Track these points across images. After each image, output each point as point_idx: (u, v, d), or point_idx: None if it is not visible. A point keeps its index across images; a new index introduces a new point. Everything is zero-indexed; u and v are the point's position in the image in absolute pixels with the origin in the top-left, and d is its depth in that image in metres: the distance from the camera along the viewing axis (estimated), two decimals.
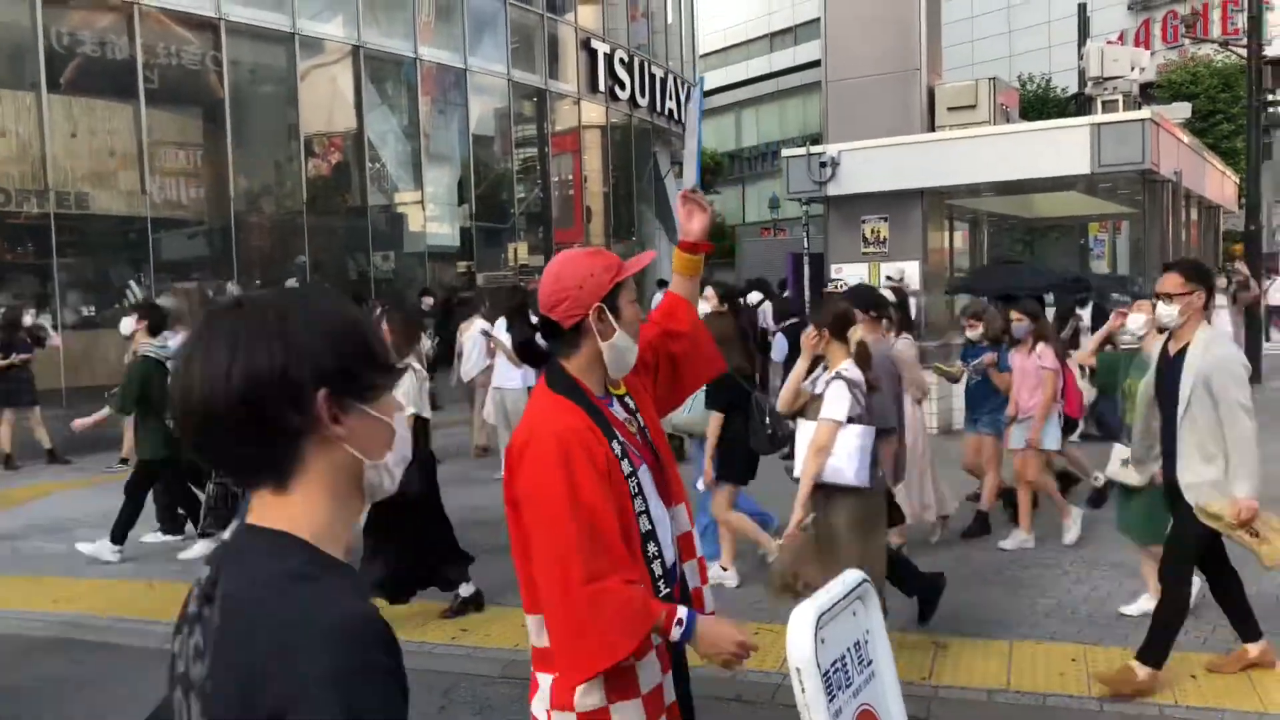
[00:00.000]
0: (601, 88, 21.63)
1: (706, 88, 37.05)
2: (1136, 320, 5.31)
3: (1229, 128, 25.35)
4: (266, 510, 1.17)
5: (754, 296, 14.18)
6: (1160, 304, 4.28)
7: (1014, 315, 6.80)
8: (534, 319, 2.40)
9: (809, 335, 4.47)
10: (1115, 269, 16.16)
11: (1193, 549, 4.35)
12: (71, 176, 13.16)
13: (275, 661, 1.04)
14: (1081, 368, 7.54)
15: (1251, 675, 4.46)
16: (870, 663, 3.03)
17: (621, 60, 22.25)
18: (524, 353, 2.40)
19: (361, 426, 1.19)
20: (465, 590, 5.64)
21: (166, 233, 14.32)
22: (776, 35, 44.69)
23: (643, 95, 23.21)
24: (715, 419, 5.96)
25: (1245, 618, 4.54)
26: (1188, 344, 4.23)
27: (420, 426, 5.32)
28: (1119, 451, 5.47)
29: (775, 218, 32.15)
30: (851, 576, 2.99)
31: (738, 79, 44.87)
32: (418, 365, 5.53)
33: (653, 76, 23.84)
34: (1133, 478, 4.86)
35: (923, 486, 6.56)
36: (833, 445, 4.30)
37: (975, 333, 7.26)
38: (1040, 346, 6.62)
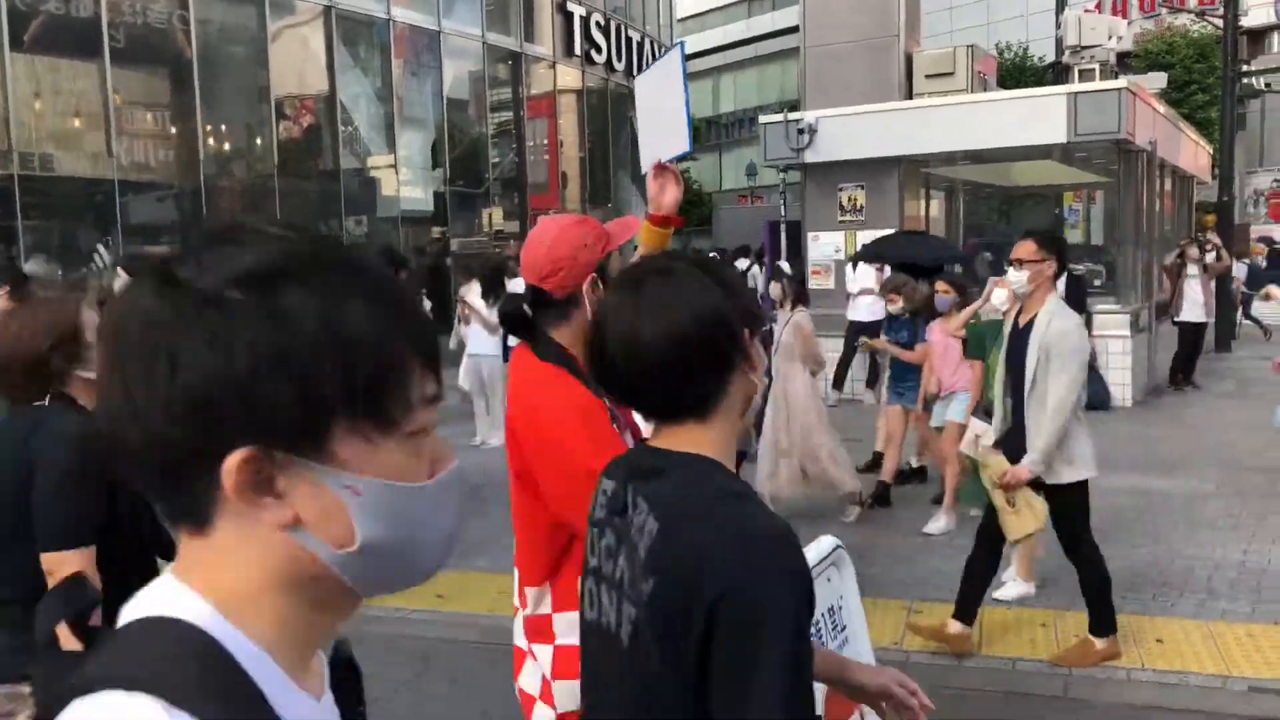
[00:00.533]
0: (578, 51, 21.40)
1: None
2: (999, 295, 5.23)
3: (1204, 98, 25.45)
4: (676, 436, 1.42)
5: (741, 263, 14.15)
6: (1011, 270, 4.30)
7: (940, 287, 6.62)
8: (518, 288, 2.32)
9: None
10: (1089, 239, 16.23)
11: (1080, 517, 4.33)
12: (35, 137, 12.88)
13: (721, 559, 1.26)
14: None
15: (1215, 639, 4.52)
16: (844, 628, 3.04)
17: (598, 23, 22.00)
18: (510, 322, 2.30)
19: (757, 357, 1.44)
20: None
21: (135, 196, 14.07)
22: (754, 0, 44.37)
23: (619, 59, 22.98)
24: None
25: (972, 601, 4.47)
26: (1036, 315, 4.23)
27: None
28: (975, 426, 5.57)
29: (752, 185, 32.09)
30: (825, 542, 3.00)
31: (715, 44, 44.56)
32: None
33: (629, 40, 23.60)
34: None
35: (820, 460, 6.40)
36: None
37: (896, 307, 7.06)
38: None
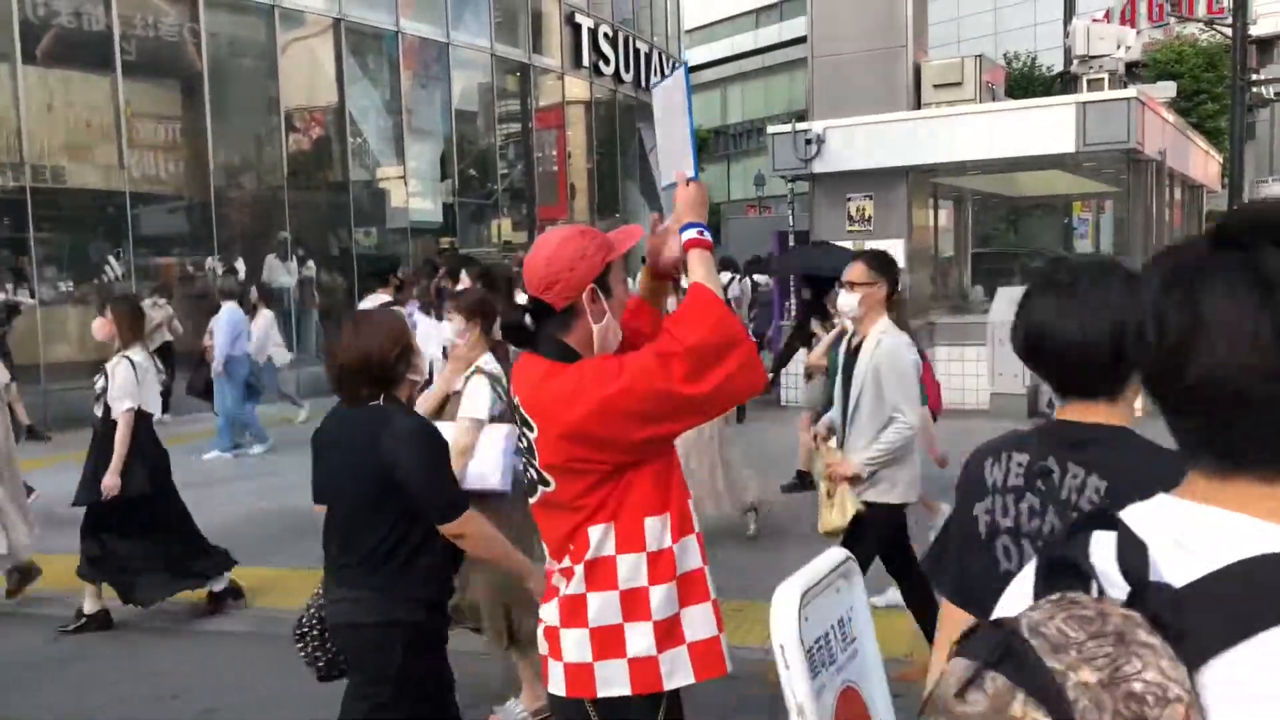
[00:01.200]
0: (586, 63, 21.48)
1: (692, 64, 36.87)
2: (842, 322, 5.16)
3: (1213, 107, 25.38)
4: (1090, 412, 1.73)
5: (723, 276, 14.09)
6: (843, 292, 4.22)
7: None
8: (521, 300, 2.35)
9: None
10: (1099, 248, 16.20)
11: (872, 542, 4.20)
12: (48, 149, 12.97)
13: None
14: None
15: None
16: (854, 640, 3.02)
17: (606, 35, 22.09)
18: (513, 334, 2.33)
19: None
20: (217, 585, 5.48)
21: (145, 207, 14.15)
22: (762, 11, 44.46)
23: (627, 71, 23.06)
24: None
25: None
26: (866, 338, 4.19)
27: (142, 421, 5.15)
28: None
29: (760, 195, 32.10)
30: (836, 553, 2.99)
31: (723, 55, 44.66)
32: (139, 357, 5.20)
33: (637, 51, 23.68)
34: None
35: (712, 476, 6.27)
36: (474, 447, 3.88)
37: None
38: None
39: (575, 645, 2.23)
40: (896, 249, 11.82)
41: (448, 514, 2.82)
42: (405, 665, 2.81)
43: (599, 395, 2.10)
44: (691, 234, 2.35)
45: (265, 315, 10.72)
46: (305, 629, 3.04)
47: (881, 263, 4.26)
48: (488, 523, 2.90)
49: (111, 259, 13.57)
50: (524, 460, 2.37)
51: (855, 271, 4.19)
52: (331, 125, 16.48)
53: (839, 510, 4.15)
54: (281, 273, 14.80)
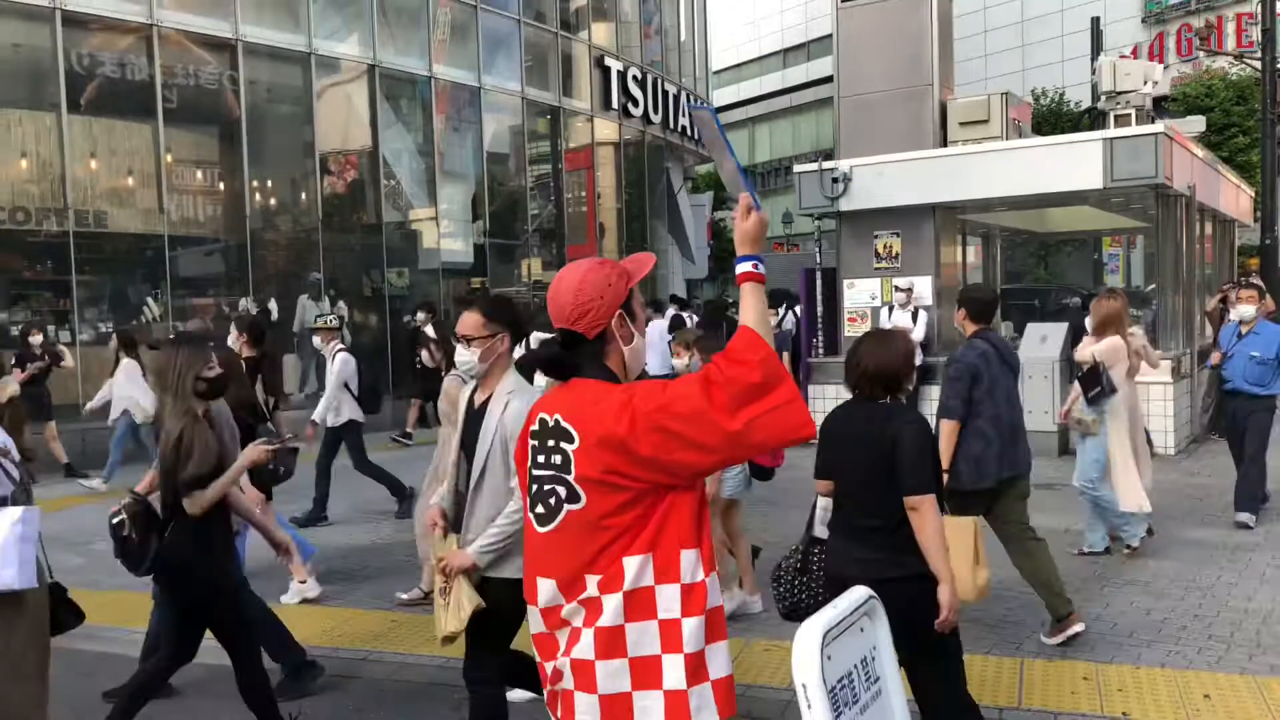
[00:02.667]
0: (615, 105, 21.75)
1: (719, 104, 37.17)
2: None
3: (1244, 141, 25.27)
4: None
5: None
6: (460, 348, 3.70)
7: (673, 347, 5.88)
8: (537, 336, 2.48)
9: None
10: (1129, 283, 16.10)
11: (512, 625, 3.63)
12: (91, 195, 13.33)
13: None
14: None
15: (1264, 693, 4.44)
16: (877, 679, 3.03)
17: (635, 77, 22.38)
18: (552, 367, 2.41)
19: None
20: None
21: (184, 250, 14.46)
22: (790, 51, 44.86)
23: (656, 112, 23.32)
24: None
25: None
26: (492, 395, 3.66)
27: None
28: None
29: (788, 233, 32.21)
30: (858, 593, 3.01)
31: (751, 95, 45.05)
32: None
33: (665, 93, 23.96)
34: None
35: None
36: None
37: (681, 361, 6.23)
38: None
39: (611, 676, 2.23)
40: (925, 286, 11.87)
41: (915, 488, 3.44)
42: (928, 610, 3.40)
43: (644, 409, 2.18)
44: (746, 267, 2.37)
45: (125, 366, 10.16)
46: (783, 573, 3.83)
47: (498, 310, 3.73)
48: (935, 509, 3.47)
49: (150, 300, 13.86)
50: (541, 485, 2.36)
51: (469, 324, 3.66)
52: (365, 168, 16.79)
53: (454, 611, 3.54)
54: (314, 313, 15.03)
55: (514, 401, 3.56)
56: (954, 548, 4.55)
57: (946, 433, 5.10)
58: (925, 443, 3.53)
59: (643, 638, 2.23)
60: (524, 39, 19.29)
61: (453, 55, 17.88)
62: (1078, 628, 5.08)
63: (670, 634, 2.23)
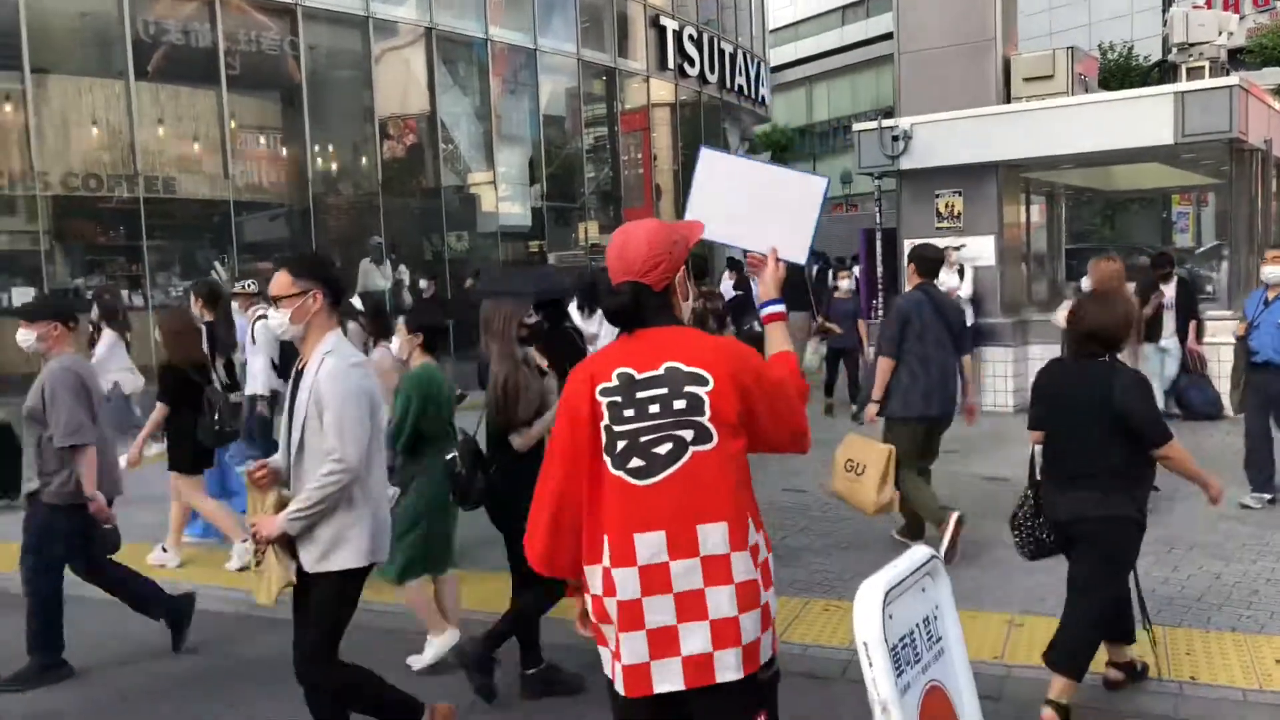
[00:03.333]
0: (670, 65, 21.57)
1: (776, 62, 36.66)
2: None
3: None
4: None
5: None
6: (271, 312, 3.49)
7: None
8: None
9: None
10: (1200, 242, 15.66)
11: (331, 626, 3.47)
12: (159, 162, 13.61)
13: None
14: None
15: None
16: (940, 639, 3.04)
17: (690, 37, 22.15)
18: (624, 317, 2.45)
19: None
20: None
21: (248, 215, 14.73)
22: (848, 9, 43.99)
23: (712, 72, 23.09)
24: (161, 410, 6.23)
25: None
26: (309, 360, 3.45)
27: None
28: None
29: (847, 193, 31.80)
30: (920, 552, 3.01)
31: (809, 53, 44.31)
32: None
33: (722, 52, 23.69)
34: None
35: None
36: None
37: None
38: None
39: (753, 624, 2.35)
40: (987, 245, 11.68)
41: (1159, 440, 3.81)
42: (1128, 549, 3.94)
43: (771, 376, 2.44)
44: (771, 310, 2.73)
45: (107, 337, 9.52)
46: (1021, 521, 4.20)
47: (308, 267, 3.50)
48: (1179, 446, 3.85)
49: (217, 264, 14.17)
50: (640, 437, 2.35)
51: (278, 284, 3.44)
52: (424, 132, 16.90)
53: (265, 585, 3.41)
54: (376, 276, 15.24)
55: (330, 360, 3.37)
56: (869, 469, 5.66)
57: (882, 368, 5.89)
58: (1149, 394, 3.93)
59: (761, 589, 2.38)
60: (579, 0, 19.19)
61: (508, 17, 17.86)
62: (952, 521, 5.76)
63: (767, 578, 2.43)
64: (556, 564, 2.47)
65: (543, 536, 2.45)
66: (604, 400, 2.37)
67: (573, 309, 9.76)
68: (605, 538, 2.35)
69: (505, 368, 4.28)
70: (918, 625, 2.91)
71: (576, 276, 12.54)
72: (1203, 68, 12.22)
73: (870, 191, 13.81)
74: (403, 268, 15.65)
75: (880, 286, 12.72)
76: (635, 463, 2.33)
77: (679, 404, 2.33)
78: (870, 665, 2.60)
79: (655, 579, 2.30)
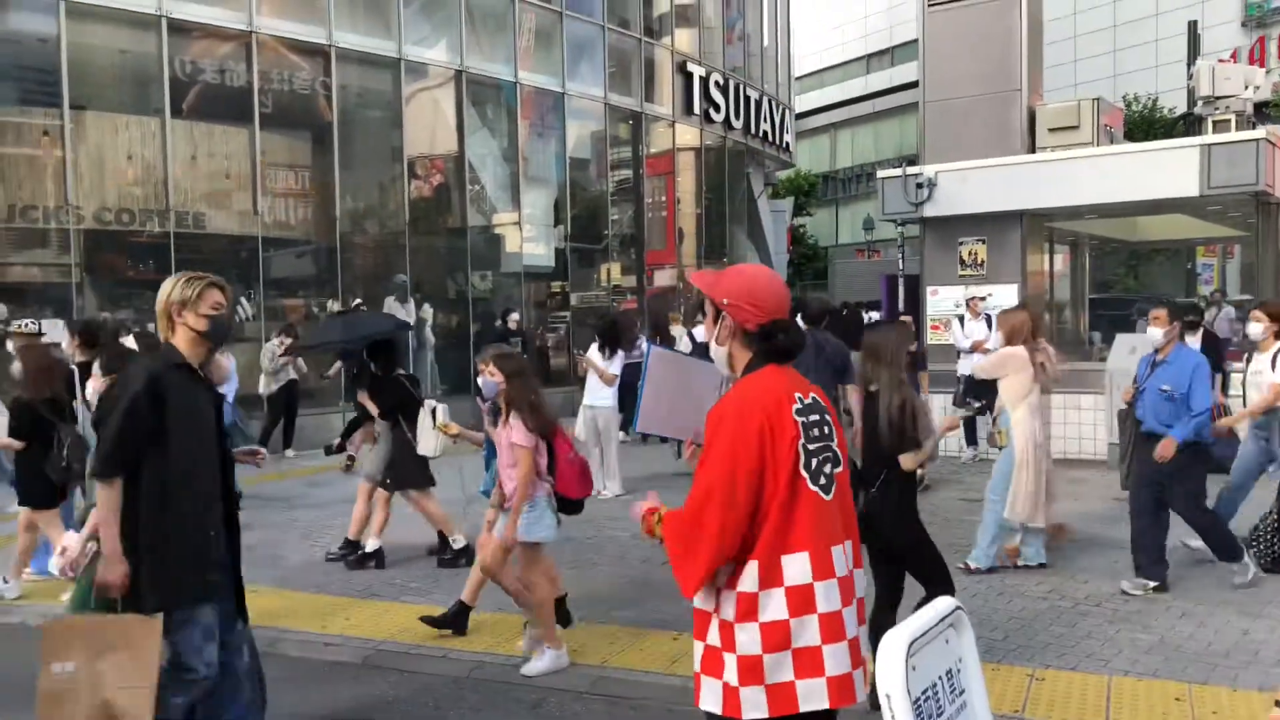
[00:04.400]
0: (696, 110, 21.78)
1: (802, 109, 36.95)
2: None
3: None
4: None
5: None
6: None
7: (485, 367, 5.23)
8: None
9: None
10: (1225, 294, 15.57)
11: None
12: (190, 197, 13.80)
13: None
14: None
15: None
16: (963, 692, 3.00)
17: (717, 83, 22.38)
18: (788, 354, 2.69)
19: None
20: None
21: (276, 251, 14.89)
22: (873, 57, 44.34)
23: (737, 117, 23.30)
24: (12, 444, 6.35)
25: None
26: None
27: None
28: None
29: (870, 239, 31.85)
30: (944, 603, 2.99)
31: (834, 100, 44.64)
32: None
33: (747, 99, 23.91)
34: None
35: None
36: None
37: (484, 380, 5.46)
38: (514, 416, 5.07)
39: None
40: (1010, 294, 11.66)
41: None
42: None
43: None
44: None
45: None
46: (1260, 532, 4.52)
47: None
48: None
49: (243, 300, 14.29)
50: (816, 456, 2.59)
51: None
52: (451, 173, 17.09)
53: None
54: (400, 314, 15.36)
55: None
56: None
57: None
58: None
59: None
60: (607, 45, 19.44)
61: (537, 61, 18.11)
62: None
63: None
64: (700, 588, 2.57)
65: (709, 567, 2.51)
66: (800, 420, 2.56)
67: (593, 351, 9.85)
68: (802, 555, 2.51)
69: (900, 392, 4.58)
70: (940, 678, 2.87)
71: (598, 318, 12.64)
72: (1229, 120, 12.21)
73: (893, 238, 13.84)
74: (427, 306, 15.77)
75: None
76: (821, 480, 2.57)
77: (825, 429, 2.61)
78: (893, 716, 2.57)
79: (846, 590, 2.58)
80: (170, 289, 3.79)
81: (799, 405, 2.57)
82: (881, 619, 4.50)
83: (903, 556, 4.65)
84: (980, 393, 7.09)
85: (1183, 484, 6.10)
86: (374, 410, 7.44)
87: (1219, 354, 10.03)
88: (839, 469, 2.62)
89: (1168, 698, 4.57)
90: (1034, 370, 6.58)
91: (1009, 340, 6.79)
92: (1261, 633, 5.39)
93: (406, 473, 7.21)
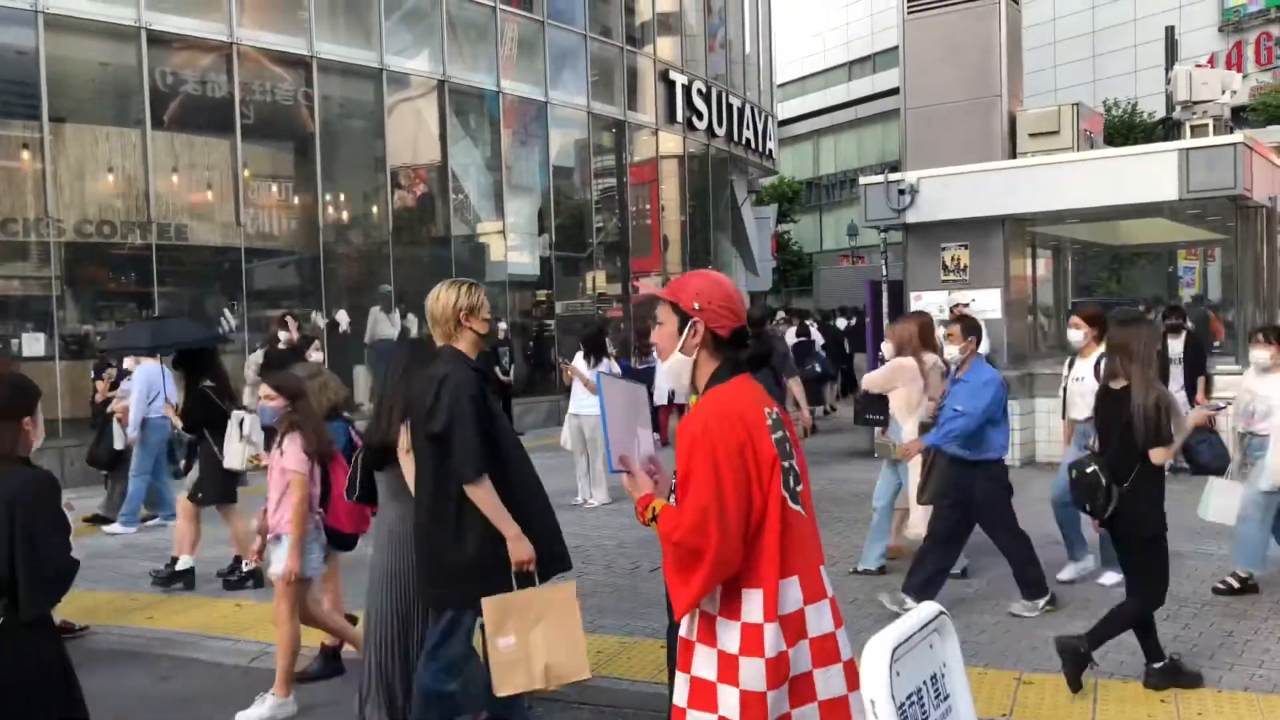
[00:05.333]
0: (679, 118, 21.83)
1: (783, 117, 37.07)
2: None
3: None
4: None
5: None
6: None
7: (262, 391, 4.99)
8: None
9: None
10: (1206, 297, 15.68)
11: None
12: (172, 209, 13.74)
13: None
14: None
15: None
16: (947, 697, 3.00)
17: (699, 91, 22.44)
18: (759, 362, 2.77)
19: None
20: None
21: (259, 262, 14.83)
22: (855, 64, 44.58)
23: (720, 125, 23.36)
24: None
25: None
26: None
27: None
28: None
29: (853, 245, 31.96)
30: (928, 609, 2.99)
31: (816, 107, 44.84)
32: None
33: (730, 106, 23.98)
34: None
35: None
36: None
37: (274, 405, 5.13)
38: (288, 440, 4.82)
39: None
40: (993, 299, 11.71)
41: None
42: None
43: None
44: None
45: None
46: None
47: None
48: None
49: (227, 311, 14.24)
50: (791, 474, 2.54)
51: None
52: (435, 182, 17.07)
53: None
54: (385, 324, 15.31)
55: None
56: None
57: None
58: None
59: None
60: (590, 53, 19.47)
61: (520, 70, 18.12)
62: None
63: None
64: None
65: (701, 593, 2.42)
66: (774, 436, 2.48)
67: (579, 359, 9.84)
68: (793, 580, 2.44)
69: (1154, 390, 4.60)
70: (925, 683, 2.87)
71: (583, 326, 12.64)
72: (1207, 125, 12.30)
73: (876, 244, 13.89)
74: (411, 316, 15.73)
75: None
76: (799, 499, 2.53)
77: (788, 446, 2.53)
78: None
79: (835, 610, 2.55)
80: (456, 296, 3.98)
81: (770, 421, 2.49)
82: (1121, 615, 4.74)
83: (1141, 549, 4.69)
84: (880, 407, 6.83)
85: (988, 508, 5.81)
86: (178, 423, 7.24)
87: (1202, 358, 10.11)
88: (800, 487, 2.57)
89: (1153, 700, 4.58)
90: (924, 381, 6.43)
91: (898, 351, 6.64)
92: (1245, 634, 5.42)
93: (214, 487, 7.01)
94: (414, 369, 4.19)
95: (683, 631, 2.53)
